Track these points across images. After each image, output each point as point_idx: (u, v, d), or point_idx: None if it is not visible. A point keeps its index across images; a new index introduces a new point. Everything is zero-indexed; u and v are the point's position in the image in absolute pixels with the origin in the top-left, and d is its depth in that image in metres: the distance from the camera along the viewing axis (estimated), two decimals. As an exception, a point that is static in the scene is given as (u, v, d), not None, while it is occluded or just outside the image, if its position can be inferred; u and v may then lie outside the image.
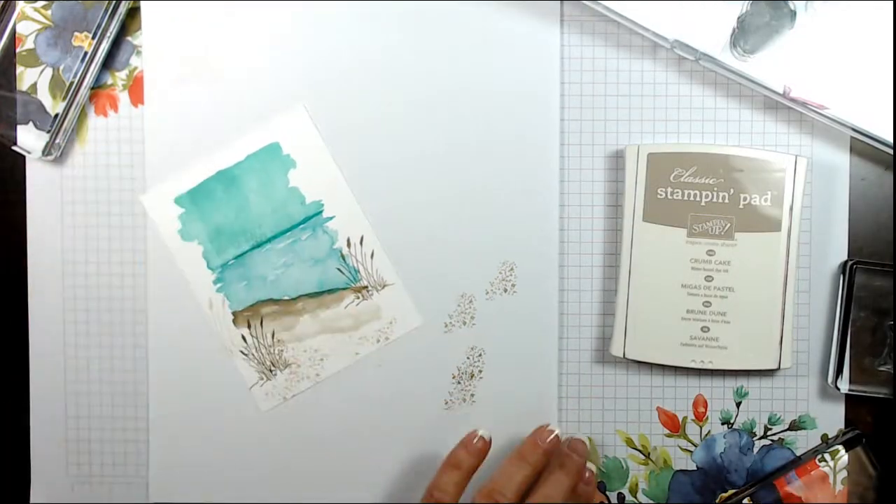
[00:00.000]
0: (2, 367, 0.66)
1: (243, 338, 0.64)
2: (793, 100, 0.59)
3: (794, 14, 0.58)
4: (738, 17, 0.58)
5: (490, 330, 0.64)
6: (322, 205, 0.63)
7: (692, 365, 0.61)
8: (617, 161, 0.63)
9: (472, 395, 0.64)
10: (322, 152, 0.63)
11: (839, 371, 0.61)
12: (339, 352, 0.64)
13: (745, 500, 0.61)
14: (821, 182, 0.63)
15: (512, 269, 0.63)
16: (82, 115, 0.65)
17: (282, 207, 0.64)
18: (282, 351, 0.64)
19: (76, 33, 0.63)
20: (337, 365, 0.64)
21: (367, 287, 0.64)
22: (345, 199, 0.63)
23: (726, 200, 0.60)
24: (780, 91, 0.59)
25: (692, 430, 0.64)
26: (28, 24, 0.63)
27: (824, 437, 0.63)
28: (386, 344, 0.64)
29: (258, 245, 0.64)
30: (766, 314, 0.60)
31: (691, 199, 0.60)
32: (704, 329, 0.61)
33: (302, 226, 0.64)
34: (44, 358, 0.66)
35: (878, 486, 0.61)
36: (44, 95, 0.63)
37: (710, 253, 0.60)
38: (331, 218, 0.64)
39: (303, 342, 0.64)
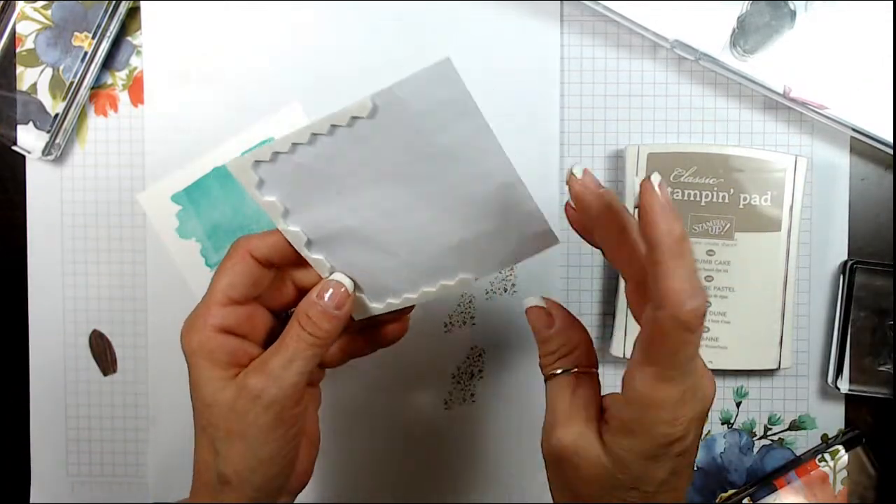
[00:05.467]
0: (2, 367, 0.66)
1: (242, 336, 0.64)
2: (793, 100, 0.59)
3: (794, 14, 0.58)
4: (738, 17, 0.58)
5: (490, 330, 0.64)
6: (320, 201, 0.64)
7: (692, 365, 0.61)
8: (617, 161, 0.63)
9: (472, 395, 0.64)
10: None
11: (839, 371, 0.61)
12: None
13: (745, 500, 0.61)
14: (821, 182, 0.63)
15: (512, 269, 0.63)
16: (82, 115, 0.65)
17: (279, 204, 0.64)
18: (281, 348, 0.64)
19: (76, 33, 0.63)
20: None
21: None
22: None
23: (726, 200, 0.60)
24: (780, 91, 0.59)
25: (692, 430, 0.64)
26: (28, 24, 0.63)
27: (824, 437, 0.63)
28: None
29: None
30: (766, 314, 0.60)
31: (691, 199, 0.60)
32: (704, 329, 0.61)
33: (300, 222, 0.64)
34: (44, 358, 0.66)
35: (878, 486, 0.61)
36: (44, 95, 0.63)
37: (710, 253, 0.60)
38: (329, 214, 0.64)
39: (302, 339, 0.64)
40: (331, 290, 0.46)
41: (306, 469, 0.49)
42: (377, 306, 0.49)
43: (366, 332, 0.51)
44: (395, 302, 0.48)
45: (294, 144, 0.43)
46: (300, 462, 0.48)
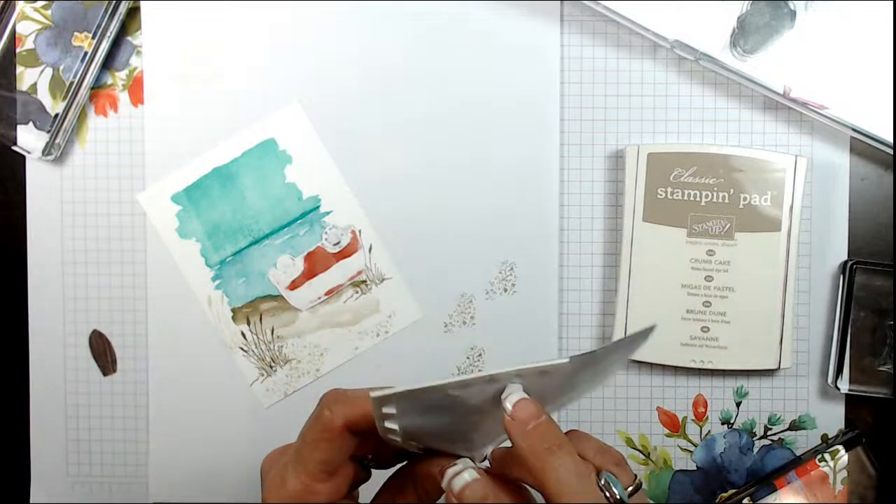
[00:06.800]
0: (2, 367, 0.66)
1: (243, 334, 0.64)
2: (793, 100, 0.59)
3: (794, 14, 0.58)
4: (738, 17, 0.58)
5: (490, 330, 0.64)
6: (319, 200, 0.63)
7: (692, 365, 0.61)
8: (617, 161, 0.63)
9: (472, 395, 0.64)
10: (318, 147, 0.63)
11: (839, 371, 0.61)
12: (339, 346, 0.64)
13: (745, 500, 0.61)
14: (821, 182, 0.63)
15: (512, 269, 0.63)
16: (82, 115, 0.65)
17: (279, 203, 0.64)
18: (282, 347, 0.64)
19: (76, 33, 0.63)
20: (337, 360, 0.64)
21: (365, 281, 0.64)
22: (342, 194, 0.63)
23: (726, 200, 0.60)
24: (780, 91, 0.59)
25: (692, 430, 0.64)
26: (28, 24, 0.63)
27: (824, 437, 0.63)
28: (386, 338, 0.64)
29: (256, 241, 0.64)
30: (766, 314, 0.60)
31: (691, 199, 0.60)
32: (704, 329, 0.61)
33: (299, 221, 0.64)
34: (44, 358, 0.66)
35: (878, 486, 0.61)
36: (44, 95, 0.63)
37: (710, 253, 0.60)
38: (328, 213, 0.64)
39: (302, 337, 0.64)
40: (470, 493, 0.41)
41: None
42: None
43: None
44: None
45: (464, 385, 0.39)
46: None
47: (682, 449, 0.64)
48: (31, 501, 0.66)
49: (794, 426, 0.64)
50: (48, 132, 0.63)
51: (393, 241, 0.64)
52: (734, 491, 0.63)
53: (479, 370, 0.64)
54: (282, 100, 0.63)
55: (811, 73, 0.59)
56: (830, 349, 0.62)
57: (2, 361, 0.66)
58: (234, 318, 0.64)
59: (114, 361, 0.66)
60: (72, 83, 0.63)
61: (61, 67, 0.63)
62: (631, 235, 0.61)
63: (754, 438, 0.64)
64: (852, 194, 0.63)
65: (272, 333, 0.64)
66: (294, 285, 0.64)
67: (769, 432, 0.64)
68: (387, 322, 0.64)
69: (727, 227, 0.60)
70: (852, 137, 0.62)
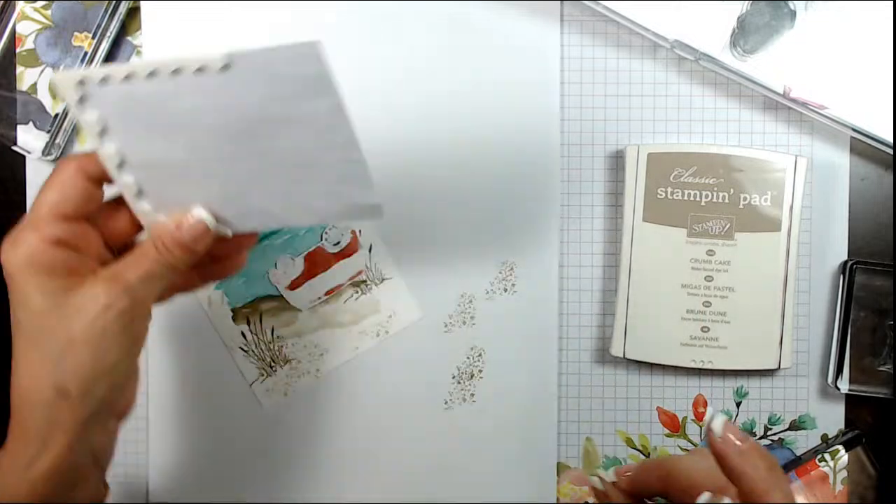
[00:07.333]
0: (2, 367, 0.66)
1: (243, 334, 0.64)
2: (793, 100, 0.59)
3: (794, 14, 0.58)
4: (738, 17, 0.58)
5: (490, 330, 0.64)
6: (320, 199, 0.64)
7: (692, 365, 0.61)
8: (617, 161, 0.63)
9: (472, 395, 0.64)
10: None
11: (839, 371, 0.61)
12: (339, 346, 0.64)
13: (746, 500, 0.61)
14: (821, 182, 0.63)
15: (512, 269, 0.63)
16: (82, 115, 0.65)
17: (279, 203, 0.64)
18: (282, 347, 0.64)
19: (76, 33, 0.63)
20: (337, 360, 0.64)
21: (365, 281, 0.64)
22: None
23: (726, 200, 0.60)
24: (780, 91, 0.59)
25: (692, 430, 0.64)
26: (28, 24, 0.63)
27: (824, 437, 0.63)
28: (386, 338, 0.64)
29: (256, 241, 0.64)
30: (766, 314, 0.60)
31: (691, 199, 0.60)
32: (704, 329, 0.61)
33: (300, 221, 0.64)
34: (43, 358, 0.66)
35: (878, 486, 0.61)
36: (44, 95, 0.63)
37: (710, 253, 0.60)
38: (328, 213, 0.64)
39: (302, 337, 0.64)
40: (191, 225, 0.45)
41: (133, 394, 0.49)
42: None
43: (200, 266, 0.49)
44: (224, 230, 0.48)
45: (129, 76, 0.42)
46: (130, 385, 0.48)
47: (682, 449, 0.64)
48: (31, 501, 0.66)
49: (794, 426, 0.64)
50: (48, 132, 0.63)
51: (393, 241, 0.64)
52: (734, 491, 0.63)
53: (480, 370, 0.64)
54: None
55: (811, 73, 0.59)
56: (830, 349, 0.62)
57: (2, 361, 0.66)
58: (234, 318, 0.64)
59: (114, 361, 0.66)
60: (72, 83, 0.63)
61: (61, 67, 0.63)
62: (631, 235, 0.61)
63: (754, 438, 0.64)
64: (852, 194, 0.63)
65: (272, 333, 0.64)
66: (294, 285, 0.64)
67: (769, 432, 0.64)
68: (387, 322, 0.64)
69: (727, 227, 0.60)
70: (852, 137, 0.62)
